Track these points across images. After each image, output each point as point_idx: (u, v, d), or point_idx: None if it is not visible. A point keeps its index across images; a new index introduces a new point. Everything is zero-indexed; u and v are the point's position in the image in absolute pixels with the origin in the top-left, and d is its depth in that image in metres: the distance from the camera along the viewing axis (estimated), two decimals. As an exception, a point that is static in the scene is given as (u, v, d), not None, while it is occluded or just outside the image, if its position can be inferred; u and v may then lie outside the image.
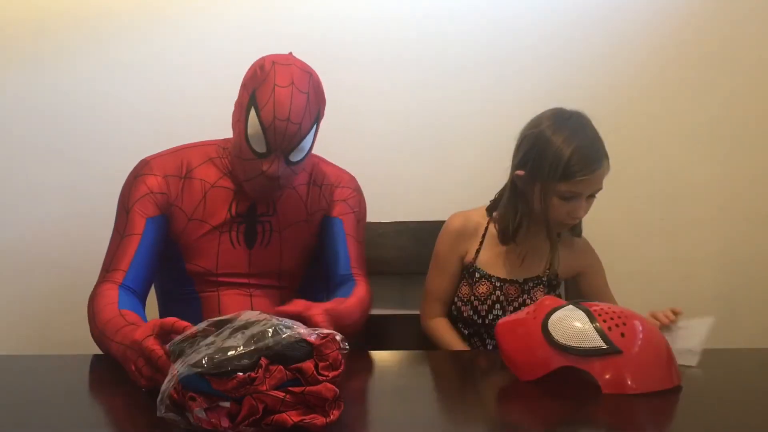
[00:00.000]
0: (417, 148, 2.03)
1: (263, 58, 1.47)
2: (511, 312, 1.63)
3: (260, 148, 1.43)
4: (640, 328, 1.15)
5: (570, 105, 2.00)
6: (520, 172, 1.58)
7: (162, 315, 1.63)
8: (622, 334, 1.12)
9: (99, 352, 1.37)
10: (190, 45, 1.99)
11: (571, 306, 1.17)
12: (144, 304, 1.48)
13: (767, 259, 1.98)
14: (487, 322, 1.65)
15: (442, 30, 2.02)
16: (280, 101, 1.40)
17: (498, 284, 1.65)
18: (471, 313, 1.66)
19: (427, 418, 1.11)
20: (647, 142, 2.02)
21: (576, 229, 1.70)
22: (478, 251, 1.68)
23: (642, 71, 2.01)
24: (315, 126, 1.49)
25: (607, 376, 1.10)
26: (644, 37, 2.00)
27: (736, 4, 1.98)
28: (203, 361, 0.95)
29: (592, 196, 1.57)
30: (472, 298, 1.66)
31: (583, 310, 1.15)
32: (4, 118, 1.99)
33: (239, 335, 0.99)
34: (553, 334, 1.14)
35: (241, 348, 0.97)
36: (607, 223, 2.01)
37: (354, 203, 1.66)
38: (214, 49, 1.99)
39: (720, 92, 1.99)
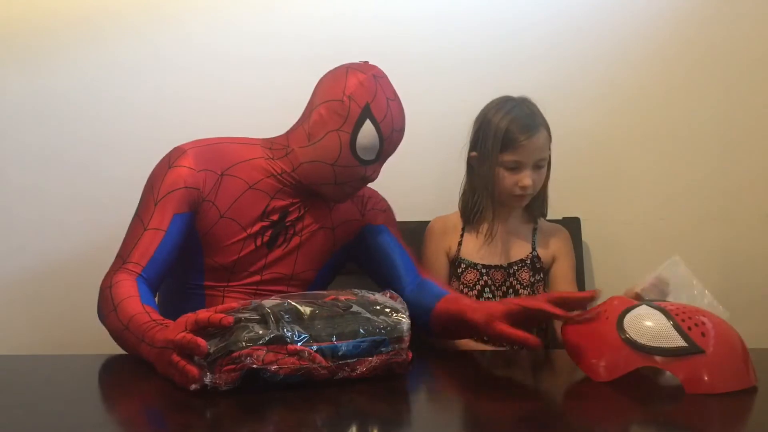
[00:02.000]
0: (417, 148, 1.99)
1: (355, 71, 1.50)
2: (501, 297, 1.71)
3: (369, 156, 1.48)
4: (713, 326, 1.13)
5: (570, 104, 2.01)
6: (474, 154, 1.74)
7: (161, 305, 1.55)
8: (702, 334, 1.10)
9: (97, 352, 1.37)
10: (190, 45, 1.99)
11: (644, 306, 1.15)
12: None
13: (767, 259, 2.00)
14: None
15: (443, 29, 2.02)
16: (395, 115, 1.49)
17: (483, 270, 1.73)
18: None
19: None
20: (647, 142, 2.03)
21: (538, 208, 1.79)
22: (459, 243, 1.76)
23: (642, 70, 2.02)
24: None
25: (690, 376, 1.08)
26: (644, 37, 2.02)
27: (735, 4, 2.00)
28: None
29: (539, 167, 1.69)
30: (461, 287, 1.71)
31: (658, 310, 1.12)
32: (4, 118, 1.97)
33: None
34: (632, 334, 1.11)
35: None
36: (607, 223, 2.03)
37: (392, 215, 1.73)
38: (215, 49, 1.99)
39: (720, 91, 2.01)
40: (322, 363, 1.09)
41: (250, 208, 1.50)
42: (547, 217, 1.85)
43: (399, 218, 1.93)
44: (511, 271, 1.74)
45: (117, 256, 1.44)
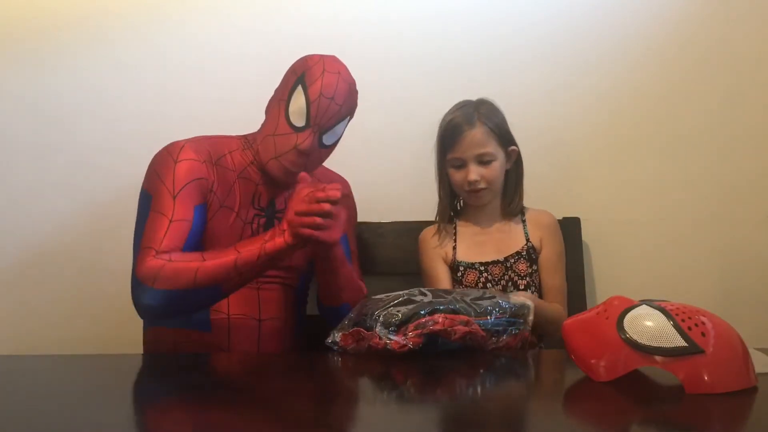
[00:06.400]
0: (417, 148, 1.98)
1: (311, 54, 1.59)
2: (501, 289, 1.72)
3: (299, 122, 1.53)
4: (713, 326, 1.12)
5: (571, 105, 2.01)
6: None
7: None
8: (702, 334, 1.09)
9: (91, 352, 1.48)
10: (190, 45, 1.99)
11: (644, 305, 1.14)
12: None
13: (767, 259, 2.00)
14: None
15: (442, 29, 2.02)
16: (328, 82, 1.53)
17: (482, 268, 1.75)
18: None
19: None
20: (647, 142, 2.03)
21: (509, 205, 1.79)
22: (454, 248, 1.77)
23: (642, 71, 2.02)
24: (348, 119, 1.58)
25: (690, 376, 1.08)
26: (644, 37, 2.02)
27: (735, 4, 2.00)
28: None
29: (484, 162, 1.71)
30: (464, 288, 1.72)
31: (659, 310, 1.12)
32: (5, 117, 1.98)
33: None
34: (632, 334, 1.10)
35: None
36: (607, 223, 2.02)
37: (354, 213, 1.79)
38: (214, 49, 1.99)
39: (720, 92, 2.01)
40: (480, 333, 1.35)
41: (242, 195, 1.57)
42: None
43: (400, 218, 1.96)
44: (508, 264, 1.74)
45: (143, 248, 1.44)
